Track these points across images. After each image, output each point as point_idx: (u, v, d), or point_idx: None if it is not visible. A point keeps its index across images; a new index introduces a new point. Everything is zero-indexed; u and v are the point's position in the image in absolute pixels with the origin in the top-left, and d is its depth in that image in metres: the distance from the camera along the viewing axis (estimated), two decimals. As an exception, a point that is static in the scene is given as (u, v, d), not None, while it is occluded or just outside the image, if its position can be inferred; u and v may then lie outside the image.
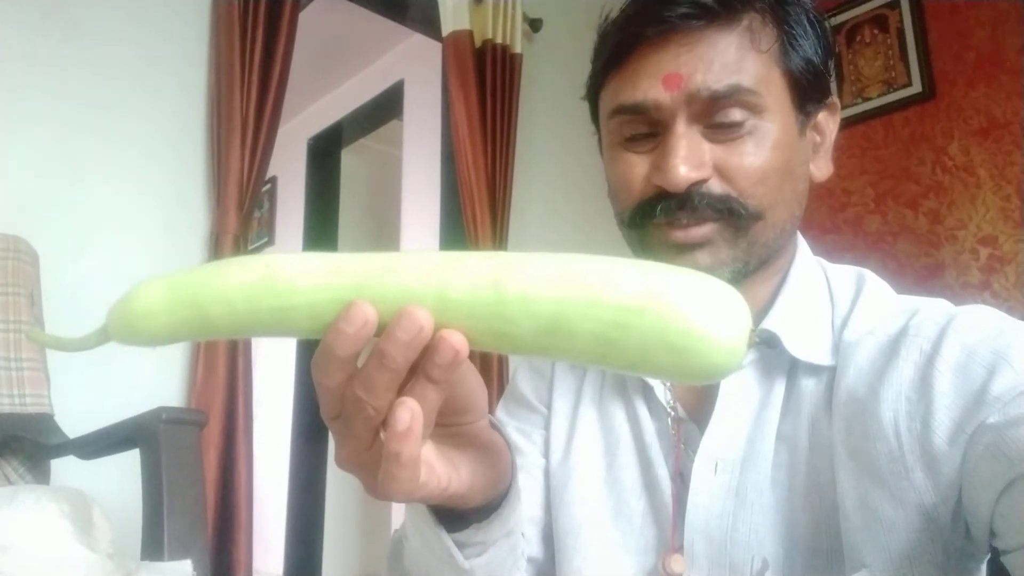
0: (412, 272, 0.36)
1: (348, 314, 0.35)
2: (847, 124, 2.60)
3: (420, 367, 0.36)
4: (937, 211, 2.42)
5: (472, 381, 0.41)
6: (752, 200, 0.59)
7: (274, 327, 0.38)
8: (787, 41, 0.61)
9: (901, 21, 2.54)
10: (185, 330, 0.39)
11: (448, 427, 0.41)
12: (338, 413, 0.39)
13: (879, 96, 2.56)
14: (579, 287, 0.35)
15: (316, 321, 0.37)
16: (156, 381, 1.65)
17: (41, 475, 1.32)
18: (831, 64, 0.65)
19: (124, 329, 0.39)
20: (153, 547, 1.08)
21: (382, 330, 0.36)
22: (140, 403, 1.22)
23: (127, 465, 1.20)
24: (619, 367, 0.36)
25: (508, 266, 0.36)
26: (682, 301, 0.34)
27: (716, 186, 0.59)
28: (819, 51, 0.63)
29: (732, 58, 0.59)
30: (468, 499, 0.44)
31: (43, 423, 1.29)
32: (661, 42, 0.60)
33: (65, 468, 1.35)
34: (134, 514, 1.13)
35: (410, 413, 0.36)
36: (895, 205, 2.51)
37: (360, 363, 0.37)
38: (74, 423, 1.30)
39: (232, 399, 1.66)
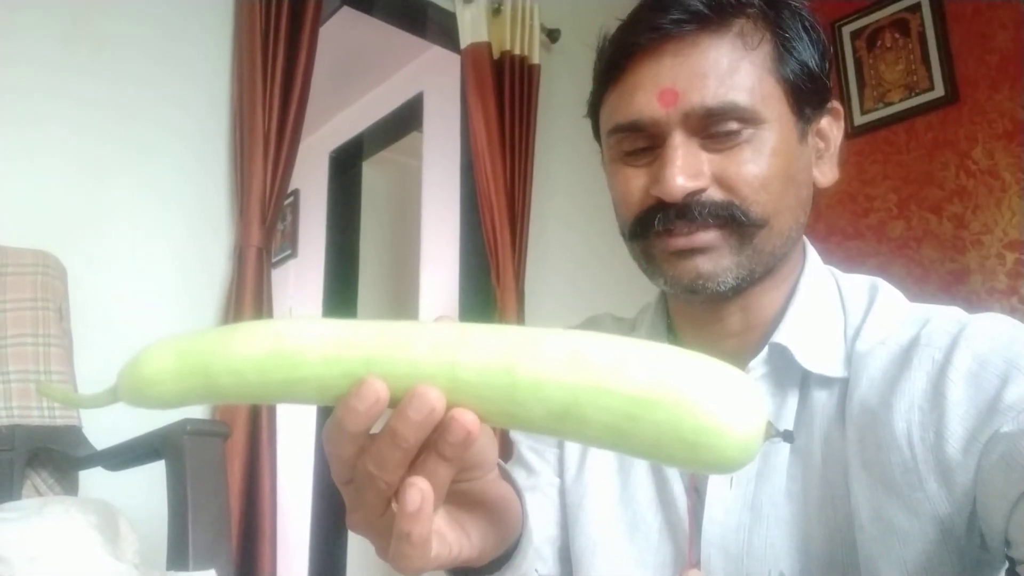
0: (422, 348, 0.36)
1: (360, 391, 0.35)
2: (869, 129, 2.57)
3: (432, 444, 0.36)
4: (962, 216, 2.38)
5: (481, 440, 0.39)
6: (755, 207, 0.59)
7: (284, 397, 0.38)
8: (781, 45, 0.61)
9: (923, 25, 2.51)
10: (194, 396, 0.39)
11: (457, 483, 0.40)
12: (350, 479, 0.39)
13: (901, 101, 2.53)
14: (591, 374, 0.34)
15: (326, 394, 0.37)
16: (181, 393, 1.67)
17: (70, 486, 1.35)
18: (827, 67, 0.64)
19: (133, 393, 0.39)
20: (178, 557, 1.09)
21: (393, 403, 0.36)
22: (165, 415, 1.23)
23: (153, 476, 1.22)
24: (632, 454, 0.36)
25: (520, 347, 0.35)
26: (696, 395, 0.33)
27: (716, 194, 0.59)
28: (816, 55, 0.62)
29: (725, 69, 0.58)
30: (479, 560, 0.44)
31: (72, 435, 1.32)
32: (655, 53, 0.60)
33: (93, 479, 1.37)
34: (160, 524, 1.14)
35: (420, 495, 0.35)
36: (919, 210, 2.48)
37: (373, 430, 0.37)
38: (101, 435, 1.32)
39: (256, 410, 1.68)
